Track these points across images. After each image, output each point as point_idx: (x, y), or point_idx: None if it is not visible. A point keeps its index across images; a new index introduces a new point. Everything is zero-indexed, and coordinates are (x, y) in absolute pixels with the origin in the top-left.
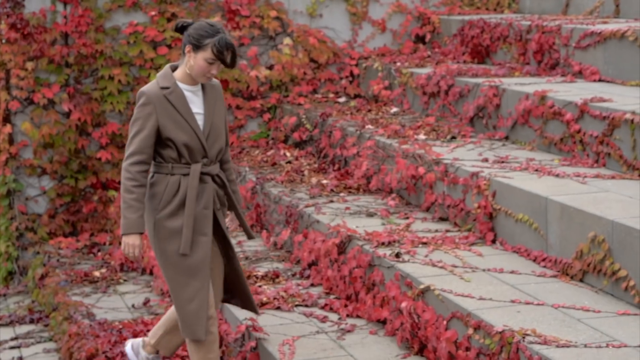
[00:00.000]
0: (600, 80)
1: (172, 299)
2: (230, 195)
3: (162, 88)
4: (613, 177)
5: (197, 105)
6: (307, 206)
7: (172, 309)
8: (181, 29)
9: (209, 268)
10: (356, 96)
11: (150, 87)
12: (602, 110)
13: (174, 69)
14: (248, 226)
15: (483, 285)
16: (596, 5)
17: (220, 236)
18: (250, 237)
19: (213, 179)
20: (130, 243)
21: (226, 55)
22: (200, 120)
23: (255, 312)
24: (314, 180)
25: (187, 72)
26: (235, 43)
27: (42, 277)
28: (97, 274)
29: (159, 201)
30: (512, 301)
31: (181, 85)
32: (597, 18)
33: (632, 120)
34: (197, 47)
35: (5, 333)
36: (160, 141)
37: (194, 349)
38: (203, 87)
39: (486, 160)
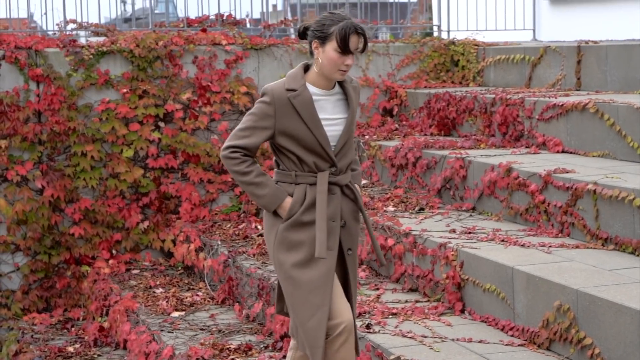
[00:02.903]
0: (563, 152)
1: (291, 316)
2: (362, 210)
3: (288, 90)
4: (577, 247)
5: (328, 111)
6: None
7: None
8: (304, 32)
9: (332, 285)
10: None
11: (276, 86)
12: (565, 181)
13: (307, 68)
14: (380, 249)
15: (452, 355)
16: (558, 78)
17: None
18: (381, 263)
19: (342, 190)
20: (287, 207)
21: (355, 41)
22: (334, 127)
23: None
24: None
25: (316, 71)
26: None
27: (16, 353)
28: (71, 349)
29: None
30: None
31: (311, 88)
32: (559, 91)
33: (594, 191)
34: (323, 38)
35: None
36: (278, 148)
37: None
38: (344, 89)
39: (454, 231)
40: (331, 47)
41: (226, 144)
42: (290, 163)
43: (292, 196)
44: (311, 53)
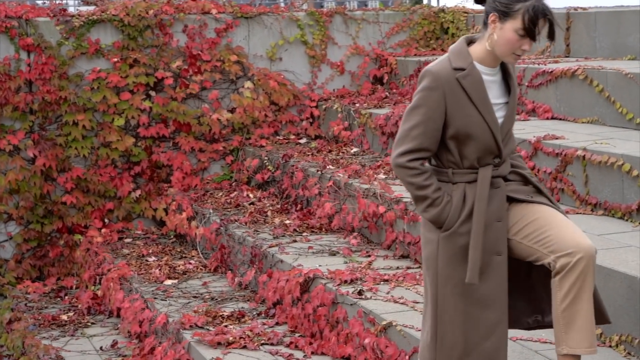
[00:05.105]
0: (553, 118)
1: (453, 338)
2: (536, 185)
3: (456, 69)
4: (567, 212)
5: (494, 94)
6: (270, 246)
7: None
8: None
9: (507, 295)
10: (317, 137)
11: (440, 66)
12: (554, 147)
13: (470, 42)
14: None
15: None
16: (547, 45)
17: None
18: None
19: (505, 180)
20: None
21: (541, 26)
22: (499, 112)
23: (607, 321)
24: (277, 220)
25: (488, 48)
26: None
27: (10, 321)
28: (64, 317)
29: None
30: None
31: (479, 66)
32: (548, 57)
33: (583, 157)
34: (504, 14)
35: None
36: (441, 139)
37: None
38: (503, 67)
39: None
40: (512, 26)
41: (399, 149)
42: (448, 159)
43: (450, 197)
44: (484, 24)
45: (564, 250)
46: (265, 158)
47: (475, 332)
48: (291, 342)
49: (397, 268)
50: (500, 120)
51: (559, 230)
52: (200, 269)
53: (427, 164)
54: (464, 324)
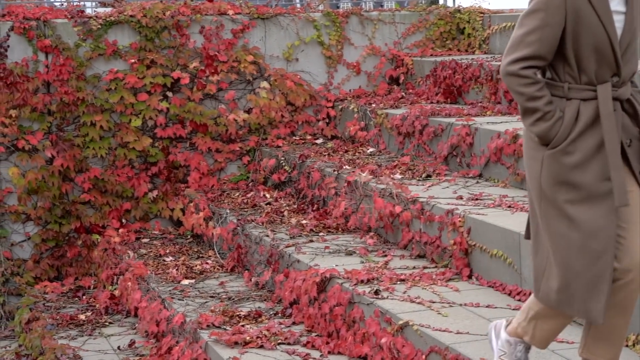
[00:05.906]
0: None
1: (556, 265)
2: None
3: None
4: None
5: (616, 2)
6: (287, 246)
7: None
8: None
9: (615, 224)
10: (333, 137)
11: None
12: None
13: None
14: None
15: (460, 319)
16: None
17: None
18: None
19: (622, 106)
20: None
21: None
22: (619, 23)
23: None
24: (293, 220)
25: None
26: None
27: (29, 321)
28: (82, 317)
29: None
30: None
31: None
32: None
33: None
34: None
35: None
36: (557, 49)
37: (556, 324)
38: None
39: (461, 197)
40: None
41: (512, 55)
42: (565, 72)
43: (562, 113)
44: None
45: (622, 265)
46: (282, 158)
47: (575, 261)
48: (308, 342)
49: (414, 268)
50: (618, 32)
51: (633, 237)
52: (217, 268)
53: (539, 76)
54: (567, 250)
